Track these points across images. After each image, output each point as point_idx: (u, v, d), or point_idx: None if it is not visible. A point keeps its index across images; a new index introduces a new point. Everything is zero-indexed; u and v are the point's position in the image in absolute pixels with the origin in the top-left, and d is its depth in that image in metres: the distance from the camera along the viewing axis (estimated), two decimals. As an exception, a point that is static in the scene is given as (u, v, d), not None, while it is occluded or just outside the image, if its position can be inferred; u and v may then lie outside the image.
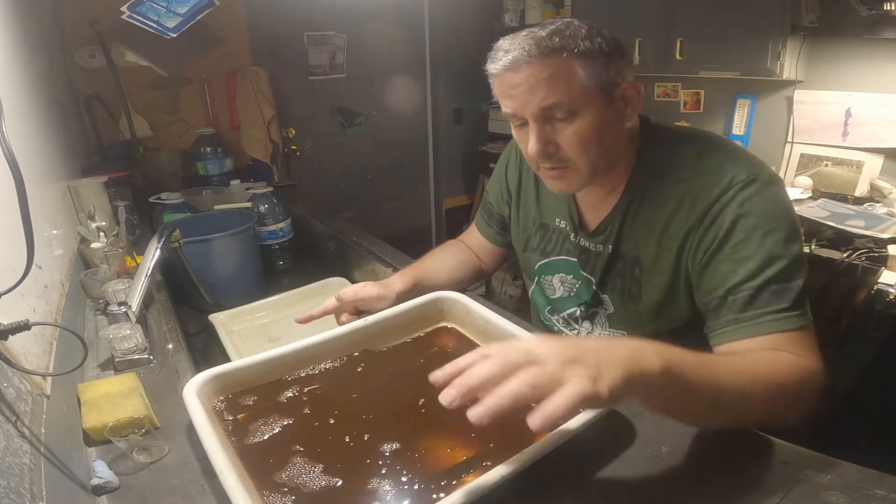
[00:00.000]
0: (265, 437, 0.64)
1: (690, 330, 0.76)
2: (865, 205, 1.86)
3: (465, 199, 3.44)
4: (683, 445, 0.61)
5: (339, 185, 2.95)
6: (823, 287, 1.57)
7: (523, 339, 0.49)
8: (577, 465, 0.59)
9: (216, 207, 1.44)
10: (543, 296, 0.97)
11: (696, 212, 0.71)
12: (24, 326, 0.57)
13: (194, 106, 2.16)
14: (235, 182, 1.75)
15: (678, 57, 2.15)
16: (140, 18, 1.10)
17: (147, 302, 1.05)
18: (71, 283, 0.99)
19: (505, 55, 0.70)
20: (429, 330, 0.86)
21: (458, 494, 0.50)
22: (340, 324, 0.87)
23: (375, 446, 0.62)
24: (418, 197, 3.35)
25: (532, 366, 0.44)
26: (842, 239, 1.61)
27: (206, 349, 1.13)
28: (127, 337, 0.83)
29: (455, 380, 0.45)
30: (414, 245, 1.35)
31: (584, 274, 0.87)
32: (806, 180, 2.01)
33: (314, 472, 0.58)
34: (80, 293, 1.05)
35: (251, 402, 0.69)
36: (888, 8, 1.63)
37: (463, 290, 0.99)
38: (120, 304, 0.90)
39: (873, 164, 1.96)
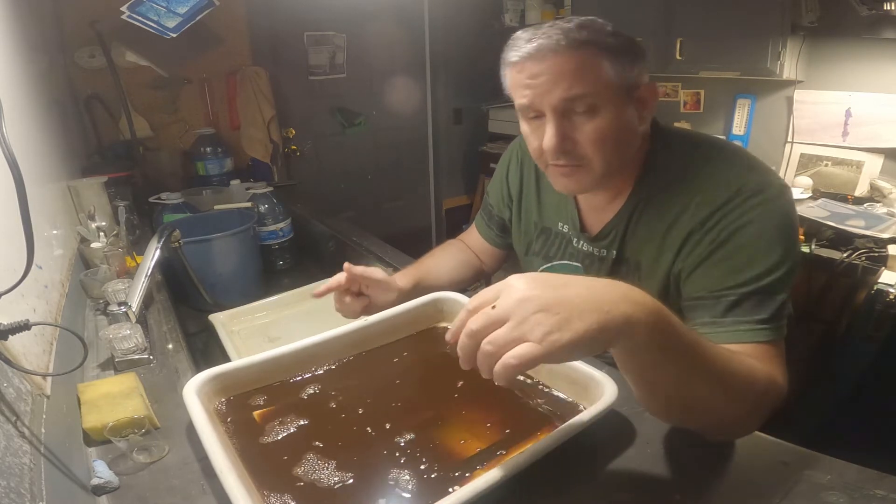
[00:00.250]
0: (279, 437, 0.63)
1: None
2: (865, 205, 1.86)
3: (465, 199, 3.44)
4: (684, 446, 0.61)
5: (339, 185, 2.95)
6: (823, 287, 1.57)
7: (508, 285, 0.46)
8: (577, 465, 0.59)
9: (216, 207, 1.44)
10: None
11: (700, 215, 0.70)
12: (24, 326, 0.57)
13: (194, 106, 2.16)
14: (235, 182, 1.75)
15: (678, 57, 2.15)
16: (140, 18, 1.10)
17: (147, 302, 1.05)
18: (71, 283, 0.99)
19: (528, 43, 0.68)
20: (428, 328, 0.86)
21: (455, 496, 0.50)
22: (340, 304, 0.86)
23: (390, 439, 0.62)
24: (418, 197, 3.35)
25: (498, 324, 0.44)
26: (842, 239, 1.61)
27: (206, 349, 1.13)
28: (127, 337, 0.83)
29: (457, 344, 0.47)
30: (414, 245, 1.35)
31: None
32: (806, 180, 2.01)
33: (329, 467, 0.58)
34: (80, 293, 1.05)
35: (261, 402, 0.69)
36: (888, 8, 1.63)
37: (463, 291, 0.99)
38: (120, 304, 0.90)
39: (873, 164, 1.96)
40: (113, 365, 0.84)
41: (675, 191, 0.74)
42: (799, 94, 2.08)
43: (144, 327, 0.93)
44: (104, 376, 0.82)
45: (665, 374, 0.52)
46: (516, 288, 0.45)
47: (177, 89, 2.09)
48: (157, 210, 1.46)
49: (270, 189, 1.50)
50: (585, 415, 0.60)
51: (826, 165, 2.07)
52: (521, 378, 0.72)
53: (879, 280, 1.43)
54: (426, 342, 0.84)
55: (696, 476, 0.58)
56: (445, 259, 1.06)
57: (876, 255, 1.51)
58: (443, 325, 0.87)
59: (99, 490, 0.59)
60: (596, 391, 0.65)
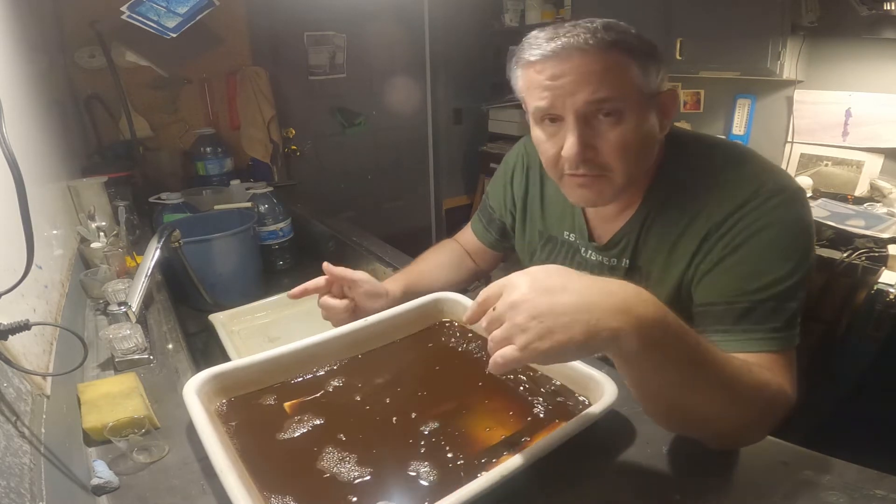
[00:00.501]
0: (296, 434, 0.64)
1: None
2: (865, 205, 1.86)
3: (465, 199, 3.44)
4: (683, 445, 0.61)
5: (339, 185, 2.95)
6: (823, 287, 1.57)
7: (509, 284, 0.48)
8: (576, 466, 0.59)
9: (216, 207, 1.44)
10: None
11: (716, 219, 0.68)
12: (24, 326, 0.57)
13: (194, 106, 2.16)
14: (235, 182, 1.75)
15: (678, 57, 2.15)
16: (140, 18, 1.10)
17: (147, 302, 1.05)
18: (71, 283, 0.99)
19: (550, 42, 0.64)
20: (430, 325, 0.86)
21: (455, 496, 0.50)
22: (325, 311, 0.86)
23: (400, 435, 0.63)
24: (418, 197, 3.35)
25: (497, 323, 0.48)
26: (842, 239, 1.61)
27: (206, 349, 1.13)
28: (127, 337, 0.83)
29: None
30: (414, 245, 1.35)
31: None
32: (806, 180, 2.01)
33: (349, 462, 0.59)
34: (80, 293, 1.05)
35: (268, 402, 0.69)
36: (888, 8, 1.63)
37: (463, 291, 0.99)
38: (120, 304, 0.90)
39: (873, 164, 1.96)
40: (113, 365, 0.84)
41: (689, 196, 0.71)
42: (799, 94, 2.08)
43: (144, 327, 0.93)
44: (104, 376, 0.82)
45: (662, 384, 0.52)
46: (514, 288, 0.47)
47: (177, 89, 2.09)
48: (157, 210, 1.45)
49: (270, 189, 1.50)
50: (583, 417, 0.60)
51: (826, 165, 2.07)
52: (529, 373, 0.73)
53: (879, 280, 1.43)
54: (427, 339, 0.84)
55: (696, 476, 0.58)
56: (438, 262, 1.04)
57: (876, 255, 1.51)
58: (444, 321, 0.87)
59: (99, 490, 0.59)
60: (596, 391, 0.65)
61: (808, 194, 1.96)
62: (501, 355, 0.46)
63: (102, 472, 0.60)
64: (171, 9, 1.11)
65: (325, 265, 0.85)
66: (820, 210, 1.82)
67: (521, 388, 0.71)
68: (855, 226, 1.65)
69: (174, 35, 1.13)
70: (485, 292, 0.51)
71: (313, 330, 0.79)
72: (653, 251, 0.76)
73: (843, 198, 1.94)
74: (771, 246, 0.64)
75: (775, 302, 0.63)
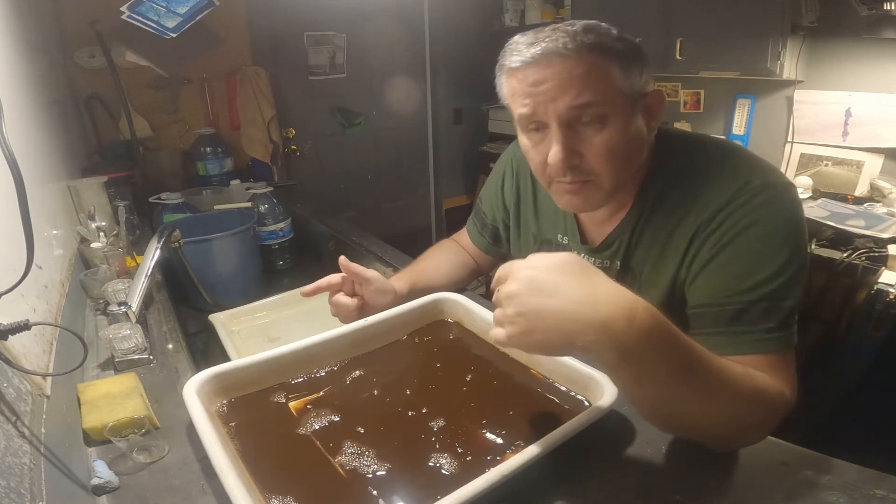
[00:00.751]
0: (315, 428, 0.64)
1: None
2: (865, 205, 1.86)
3: (465, 199, 3.44)
4: (683, 445, 0.61)
5: (339, 185, 2.95)
6: (823, 287, 1.57)
7: (512, 273, 0.51)
8: (576, 466, 0.59)
9: (216, 207, 1.44)
10: None
11: (704, 216, 0.67)
12: (24, 326, 0.57)
13: (194, 106, 2.16)
14: (235, 182, 1.75)
15: (678, 57, 2.15)
16: (140, 18, 1.10)
17: (147, 302, 1.05)
18: (71, 283, 0.99)
19: (529, 48, 0.63)
20: (430, 323, 0.86)
21: (455, 496, 0.50)
22: (335, 308, 0.86)
23: (413, 431, 0.63)
24: (418, 197, 3.35)
25: (498, 304, 0.51)
26: (842, 239, 1.61)
27: (206, 349, 1.13)
28: (127, 337, 0.83)
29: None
30: (414, 245, 1.35)
31: None
32: (806, 180, 2.01)
33: (369, 455, 0.60)
34: (80, 293, 1.05)
35: (271, 401, 0.69)
36: (888, 8, 1.63)
37: (462, 290, 0.99)
38: (120, 304, 0.90)
39: (873, 164, 1.97)
40: (113, 365, 0.84)
41: (679, 195, 0.71)
42: (799, 94, 2.08)
43: (144, 327, 0.93)
44: (104, 376, 0.82)
45: (647, 394, 0.53)
46: (513, 280, 0.50)
47: (177, 89, 2.09)
48: (157, 210, 1.45)
49: (270, 189, 1.50)
50: (582, 417, 0.60)
51: (826, 165, 2.07)
52: (529, 374, 0.73)
53: (879, 280, 1.43)
54: (427, 339, 0.84)
55: (696, 476, 0.58)
56: (440, 261, 1.05)
57: (876, 255, 1.51)
58: (444, 319, 0.87)
59: (99, 490, 0.59)
60: (596, 391, 0.65)
61: (808, 194, 1.96)
62: (495, 335, 0.52)
63: (102, 472, 0.60)
64: (171, 9, 1.11)
65: (343, 260, 0.84)
66: (820, 210, 1.82)
67: (521, 388, 0.71)
68: (855, 226, 1.65)
69: (174, 35, 1.13)
70: (498, 273, 0.53)
71: (313, 330, 0.79)
72: (644, 252, 0.75)
73: (843, 198, 1.94)
74: (759, 243, 0.63)
75: (768, 302, 0.62)
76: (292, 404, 0.69)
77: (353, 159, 2.97)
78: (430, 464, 0.58)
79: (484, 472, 0.53)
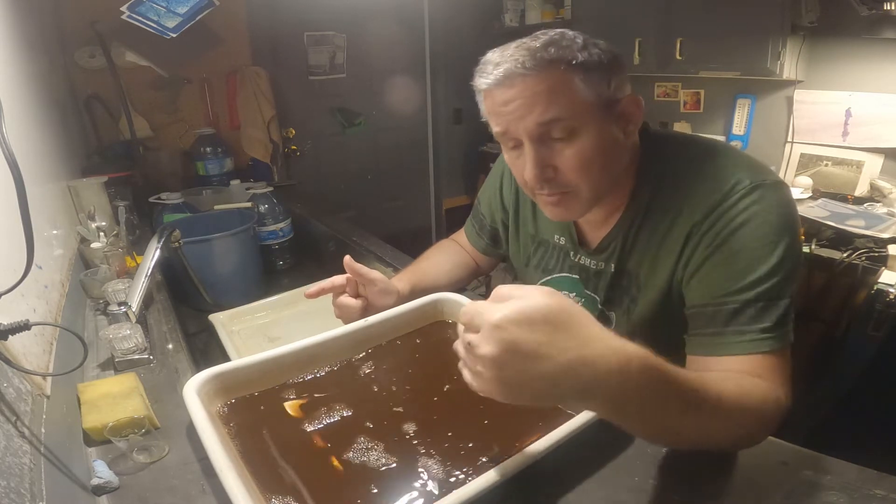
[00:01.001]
0: (315, 428, 0.64)
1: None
2: (865, 205, 1.86)
3: (465, 199, 3.44)
4: (683, 445, 0.61)
5: (339, 185, 2.95)
6: (823, 287, 1.57)
7: (492, 332, 0.42)
8: (577, 466, 0.59)
9: (216, 207, 1.44)
10: None
11: (696, 216, 0.67)
12: (24, 326, 0.57)
13: (194, 106, 2.16)
14: (235, 182, 1.75)
15: (678, 57, 2.15)
16: (140, 18, 1.10)
17: (147, 302, 1.05)
18: (71, 283, 0.99)
19: (495, 68, 0.65)
20: (430, 323, 0.87)
21: (455, 495, 0.50)
22: (339, 310, 0.87)
23: (414, 431, 0.63)
24: (418, 197, 3.35)
25: (468, 358, 0.46)
26: (842, 239, 1.61)
27: (206, 349, 1.13)
28: (127, 337, 0.83)
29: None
30: (414, 245, 1.35)
31: (588, 293, 0.84)
32: (806, 180, 2.01)
33: (369, 455, 0.60)
34: (80, 293, 1.05)
35: (271, 401, 0.69)
36: (888, 8, 1.63)
37: (462, 290, 0.99)
38: (120, 304, 0.90)
39: (873, 164, 1.97)
40: (113, 365, 0.84)
41: (672, 196, 0.71)
42: (799, 94, 2.08)
43: (144, 327, 0.93)
44: (104, 376, 0.82)
45: (649, 432, 0.53)
46: (490, 338, 0.42)
47: (177, 89, 2.09)
48: (157, 210, 1.46)
49: (270, 189, 1.50)
50: (585, 415, 0.60)
51: (826, 165, 2.08)
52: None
53: (879, 280, 1.43)
54: (427, 339, 0.84)
55: (695, 476, 0.58)
56: (441, 261, 1.05)
57: (876, 255, 1.51)
58: (444, 319, 0.87)
59: (99, 490, 0.59)
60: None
61: (808, 194, 1.96)
62: (469, 385, 0.46)
63: (102, 472, 0.60)
64: (171, 9, 1.12)
65: (348, 260, 0.84)
66: (820, 210, 1.82)
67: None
68: (855, 226, 1.66)
69: (174, 35, 1.13)
70: (464, 317, 0.46)
71: (313, 330, 0.79)
72: (641, 254, 0.76)
73: (843, 198, 1.94)
74: (752, 242, 0.63)
75: (764, 301, 0.62)
76: (292, 404, 0.69)
77: (353, 159, 2.97)
78: (431, 463, 0.58)
79: (485, 471, 0.53)
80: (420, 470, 0.58)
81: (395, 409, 0.68)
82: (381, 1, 2.65)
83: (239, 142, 2.23)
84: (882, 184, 1.90)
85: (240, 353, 0.98)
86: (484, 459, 0.58)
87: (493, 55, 0.68)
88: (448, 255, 1.07)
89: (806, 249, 1.59)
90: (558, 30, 0.67)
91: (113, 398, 0.70)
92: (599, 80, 0.65)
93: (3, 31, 1.03)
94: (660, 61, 2.21)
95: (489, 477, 0.52)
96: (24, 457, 0.50)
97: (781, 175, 2.14)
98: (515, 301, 0.43)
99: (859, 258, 1.52)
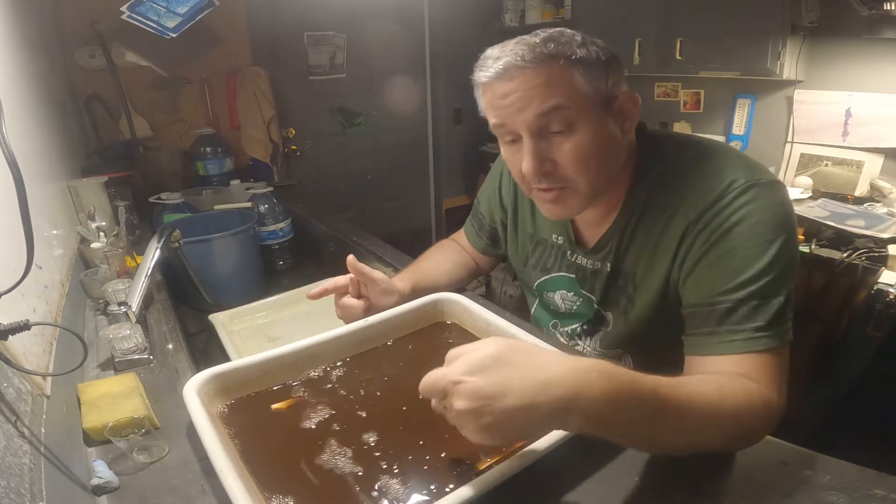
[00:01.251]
0: (315, 428, 0.63)
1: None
2: (865, 205, 1.86)
3: (465, 199, 3.44)
4: (683, 445, 0.61)
5: (339, 185, 2.95)
6: (823, 287, 1.57)
7: (455, 390, 0.46)
8: (576, 465, 0.59)
9: (216, 207, 1.44)
10: (547, 312, 0.95)
11: (692, 215, 0.68)
12: (24, 326, 0.57)
13: (194, 106, 2.16)
14: (235, 182, 1.75)
15: (678, 57, 2.15)
16: (140, 18, 1.10)
17: (147, 302, 1.05)
18: (71, 283, 0.99)
19: (495, 62, 0.66)
20: (430, 324, 0.86)
21: (455, 495, 0.50)
22: (341, 311, 0.87)
23: (414, 430, 0.63)
24: (418, 197, 3.35)
25: (453, 420, 0.48)
26: (842, 239, 1.61)
27: (206, 349, 1.13)
28: (127, 337, 0.83)
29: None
30: (414, 245, 1.35)
31: (584, 292, 0.85)
32: (806, 180, 2.01)
33: (370, 455, 0.60)
34: (80, 293, 1.05)
35: (272, 401, 0.69)
36: (888, 8, 1.63)
37: (461, 290, 0.99)
38: (120, 304, 0.90)
39: (873, 164, 1.97)
40: (113, 365, 0.84)
41: (668, 196, 0.71)
42: (799, 94, 2.08)
43: (144, 327, 0.93)
44: (104, 376, 0.82)
45: (629, 441, 0.54)
46: (458, 394, 0.46)
47: (177, 89, 2.09)
48: (157, 210, 1.45)
49: (270, 189, 1.50)
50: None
51: (826, 165, 2.08)
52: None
53: (879, 280, 1.43)
54: (427, 339, 0.84)
55: (695, 476, 0.58)
56: (441, 261, 1.05)
57: (876, 255, 1.51)
58: (445, 321, 0.87)
59: (99, 490, 0.59)
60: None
61: (808, 194, 1.96)
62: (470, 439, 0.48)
63: (102, 472, 0.60)
64: (171, 9, 1.12)
65: (351, 259, 0.84)
66: (820, 210, 1.82)
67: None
68: (855, 226, 1.66)
69: (174, 35, 1.13)
70: (426, 387, 0.50)
71: (313, 330, 0.79)
72: (637, 253, 0.76)
73: (843, 198, 1.94)
74: (746, 241, 0.64)
75: (757, 300, 0.62)
76: (292, 404, 0.69)
77: (353, 159, 2.97)
78: (432, 463, 0.58)
79: (486, 471, 0.53)
80: (424, 468, 0.58)
81: (395, 409, 0.68)
82: (381, 1, 2.65)
83: (239, 142, 2.23)
84: (882, 184, 1.90)
85: (240, 354, 0.98)
86: (489, 460, 0.58)
87: (492, 51, 0.69)
88: (448, 255, 1.07)
89: (806, 249, 1.59)
90: (558, 28, 0.68)
91: (113, 398, 0.70)
92: (597, 75, 0.65)
93: (3, 31, 1.03)
94: (660, 61, 2.21)
95: (488, 477, 0.52)
96: (24, 457, 0.49)
97: (781, 175, 2.15)
98: (465, 356, 0.47)
99: (859, 258, 1.52)
